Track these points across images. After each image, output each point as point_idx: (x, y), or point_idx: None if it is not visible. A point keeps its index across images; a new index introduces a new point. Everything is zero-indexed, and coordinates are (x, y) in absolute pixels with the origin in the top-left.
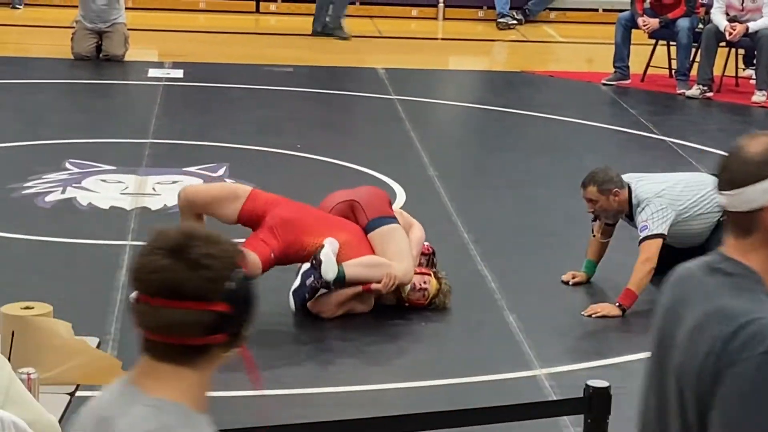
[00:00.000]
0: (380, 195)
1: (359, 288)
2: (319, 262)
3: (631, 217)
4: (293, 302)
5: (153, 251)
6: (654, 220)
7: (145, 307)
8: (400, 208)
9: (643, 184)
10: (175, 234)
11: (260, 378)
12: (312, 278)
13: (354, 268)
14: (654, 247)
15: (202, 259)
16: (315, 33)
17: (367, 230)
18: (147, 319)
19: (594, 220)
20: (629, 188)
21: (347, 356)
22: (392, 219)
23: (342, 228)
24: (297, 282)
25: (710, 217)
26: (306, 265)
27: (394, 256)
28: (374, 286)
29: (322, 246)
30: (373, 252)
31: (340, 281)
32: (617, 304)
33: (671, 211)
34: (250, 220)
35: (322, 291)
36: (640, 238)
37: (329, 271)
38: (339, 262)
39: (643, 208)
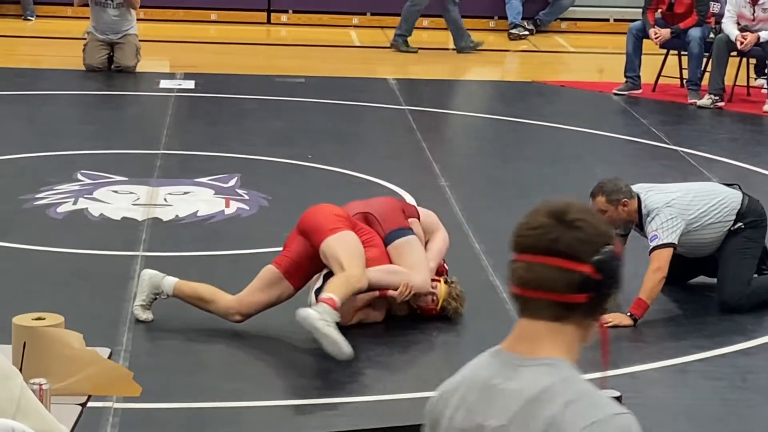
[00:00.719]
0: (394, 206)
1: (376, 293)
2: None
3: (641, 228)
4: (314, 300)
5: (535, 212)
6: (664, 229)
7: (522, 264)
8: None
9: (652, 194)
10: (557, 201)
11: (608, 358)
12: None
13: (374, 273)
14: (664, 257)
15: (578, 222)
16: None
17: (385, 243)
18: (522, 274)
19: None
20: (639, 198)
21: (358, 366)
22: (408, 230)
23: (373, 244)
24: (319, 283)
25: (721, 226)
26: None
27: (412, 267)
28: (390, 292)
29: None
30: (391, 263)
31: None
32: (629, 314)
33: (681, 220)
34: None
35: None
36: (651, 247)
37: None
38: None
39: (653, 218)
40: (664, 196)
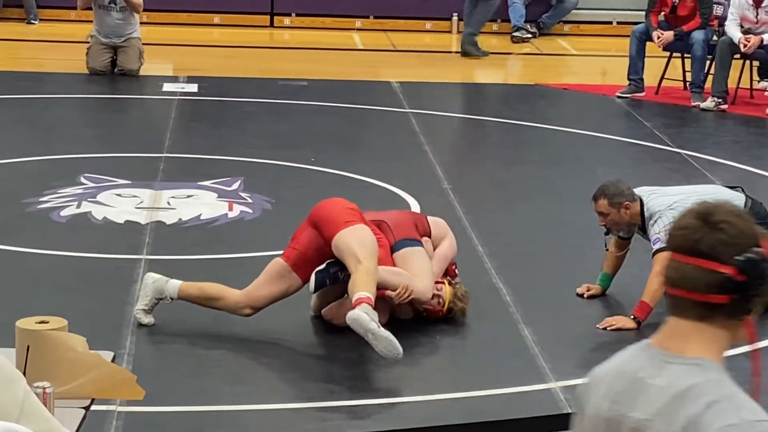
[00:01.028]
0: (408, 219)
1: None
2: None
3: (644, 231)
4: (313, 282)
5: (687, 213)
6: (666, 232)
7: (672, 263)
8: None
9: (655, 197)
10: (708, 202)
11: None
12: (337, 268)
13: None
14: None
15: (722, 223)
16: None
17: (392, 250)
18: (671, 273)
19: (606, 233)
20: (641, 201)
21: (361, 369)
22: (416, 242)
23: (381, 245)
24: (323, 266)
25: None
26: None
27: (416, 274)
28: (388, 293)
29: None
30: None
31: None
32: (632, 316)
33: None
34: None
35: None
36: (653, 250)
37: None
38: None
39: (655, 221)
40: (667, 198)
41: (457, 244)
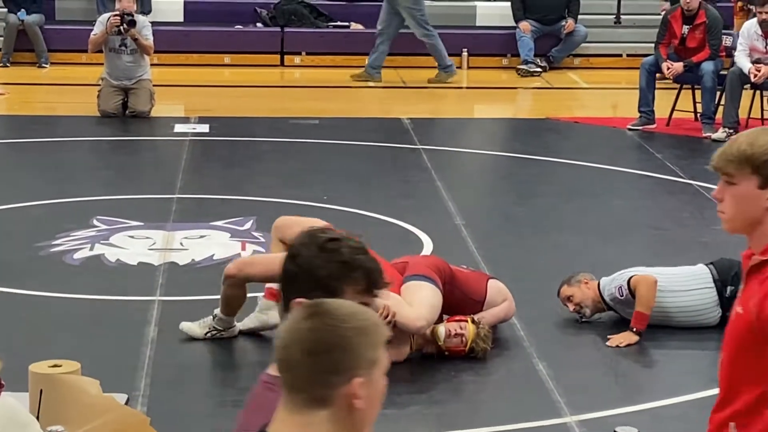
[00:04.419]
0: (430, 261)
1: None
2: None
3: (610, 307)
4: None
5: None
6: (625, 271)
7: None
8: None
9: (607, 278)
10: None
11: None
12: None
13: None
14: (642, 273)
15: None
16: None
17: (402, 283)
18: None
19: (581, 319)
20: (598, 283)
21: None
22: (426, 278)
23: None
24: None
25: (700, 292)
26: None
27: (411, 302)
28: None
29: None
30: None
31: None
32: (633, 329)
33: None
34: None
35: None
36: (627, 281)
37: None
38: None
39: (611, 281)
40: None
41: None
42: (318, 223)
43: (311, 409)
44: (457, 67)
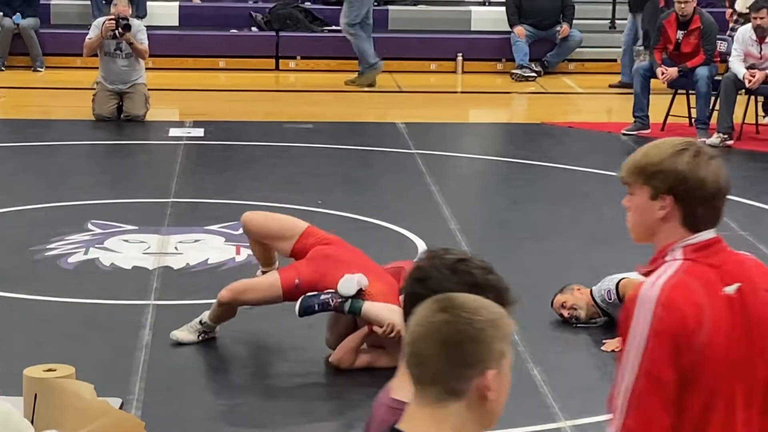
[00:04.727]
0: None
1: (366, 329)
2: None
3: (604, 313)
4: (299, 307)
5: None
6: (614, 276)
7: None
8: None
9: (598, 285)
10: None
11: None
12: (329, 296)
13: (372, 305)
14: (627, 278)
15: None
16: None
17: (401, 291)
18: None
19: (575, 323)
20: (591, 291)
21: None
22: None
23: (380, 278)
24: (313, 293)
25: None
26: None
27: None
28: (375, 328)
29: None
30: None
31: (356, 310)
32: None
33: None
34: (302, 255)
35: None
36: (615, 285)
37: (347, 288)
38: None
39: (600, 285)
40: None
41: None
42: (286, 219)
43: (445, 402)
44: (452, 72)
